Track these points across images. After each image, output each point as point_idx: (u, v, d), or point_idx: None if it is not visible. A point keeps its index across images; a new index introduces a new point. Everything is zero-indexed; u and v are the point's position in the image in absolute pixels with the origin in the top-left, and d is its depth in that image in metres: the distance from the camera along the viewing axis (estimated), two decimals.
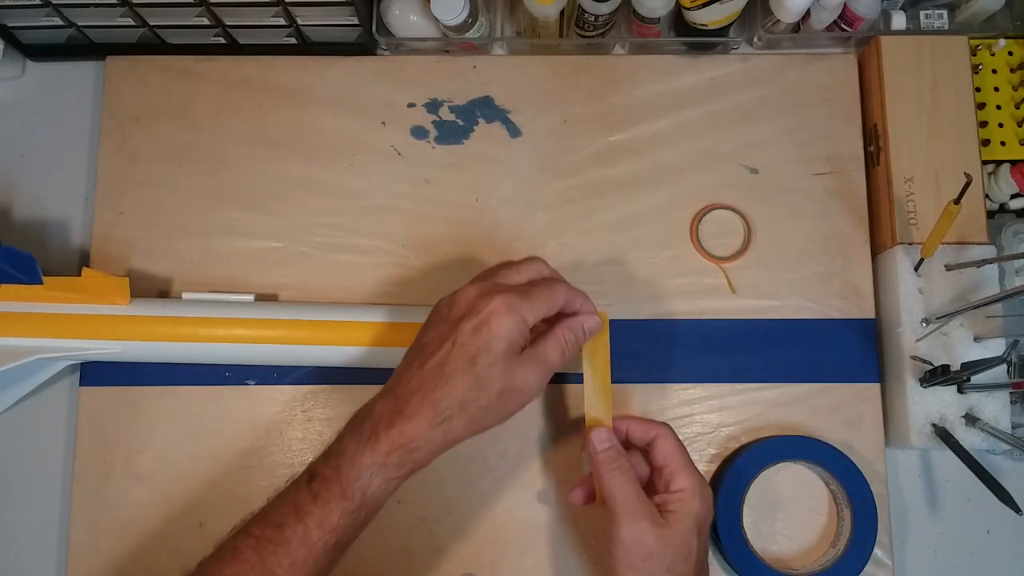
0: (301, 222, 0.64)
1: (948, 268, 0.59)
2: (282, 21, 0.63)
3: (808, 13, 0.63)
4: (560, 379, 0.61)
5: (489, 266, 0.52)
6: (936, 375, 0.57)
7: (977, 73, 0.64)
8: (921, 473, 0.62)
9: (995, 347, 0.59)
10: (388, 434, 0.46)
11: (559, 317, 0.51)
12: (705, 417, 0.61)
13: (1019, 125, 0.64)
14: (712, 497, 0.51)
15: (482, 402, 0.47)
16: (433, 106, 0.66)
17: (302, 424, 0.61)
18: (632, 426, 0.53)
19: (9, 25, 0.64)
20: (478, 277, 0.51)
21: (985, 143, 0.64)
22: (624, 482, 0.50)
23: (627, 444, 0.53)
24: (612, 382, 0.54)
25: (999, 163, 0.64)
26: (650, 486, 0.52)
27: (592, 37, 0.65)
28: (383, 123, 0.66)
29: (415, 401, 0.47)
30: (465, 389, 0.46)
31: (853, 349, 0.62)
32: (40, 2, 0.61)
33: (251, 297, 0.61)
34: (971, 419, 0.58)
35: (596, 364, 0.53)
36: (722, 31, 0.64)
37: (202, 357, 0.60)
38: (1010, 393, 0.58)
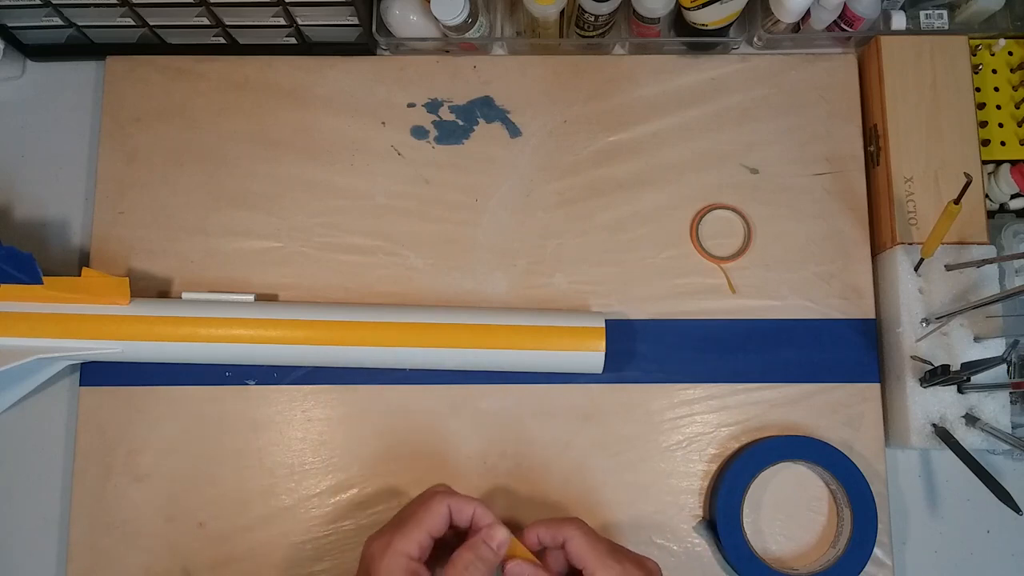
0: (301, 222, 0.64)
1: (948, 268, 0.59)
2: (282, 21, 0.63)
3: (808, 13, 0.63)
4: (560, 379, 0.61)
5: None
6: (936, 375, 0.57)
7: (977, 73, 0.64)
8: (921, 473, 0.62)
9: (995, 347, 0.59)
10: None
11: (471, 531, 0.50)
12: (705, 417, 0.61)
13: (1019, 125, 0.64)
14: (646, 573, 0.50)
15: None
16: (433, 106, 0.66)
17: (302, 424, 0.61)
18: (541, 533, 0.52)
19: (9, 25, 0.64)
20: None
21: (985, 143, 0.64)
22: None
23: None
24: (615, 381, 0.60)
25: (999, 163, 0.64)
26: None
27: (592, 37, 0.65)
28: (383, 123, 0.66)
29: None
30: None
31: (853, 349, 0.62)
32: (40, 2, 0.61)
33: (251, 297, 0.61)
34: (971, 419, 0.58)
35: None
36: (722, 31, 0.64)
37: (202, 357, 0.59)
38: (1010, 393, 0.58)
